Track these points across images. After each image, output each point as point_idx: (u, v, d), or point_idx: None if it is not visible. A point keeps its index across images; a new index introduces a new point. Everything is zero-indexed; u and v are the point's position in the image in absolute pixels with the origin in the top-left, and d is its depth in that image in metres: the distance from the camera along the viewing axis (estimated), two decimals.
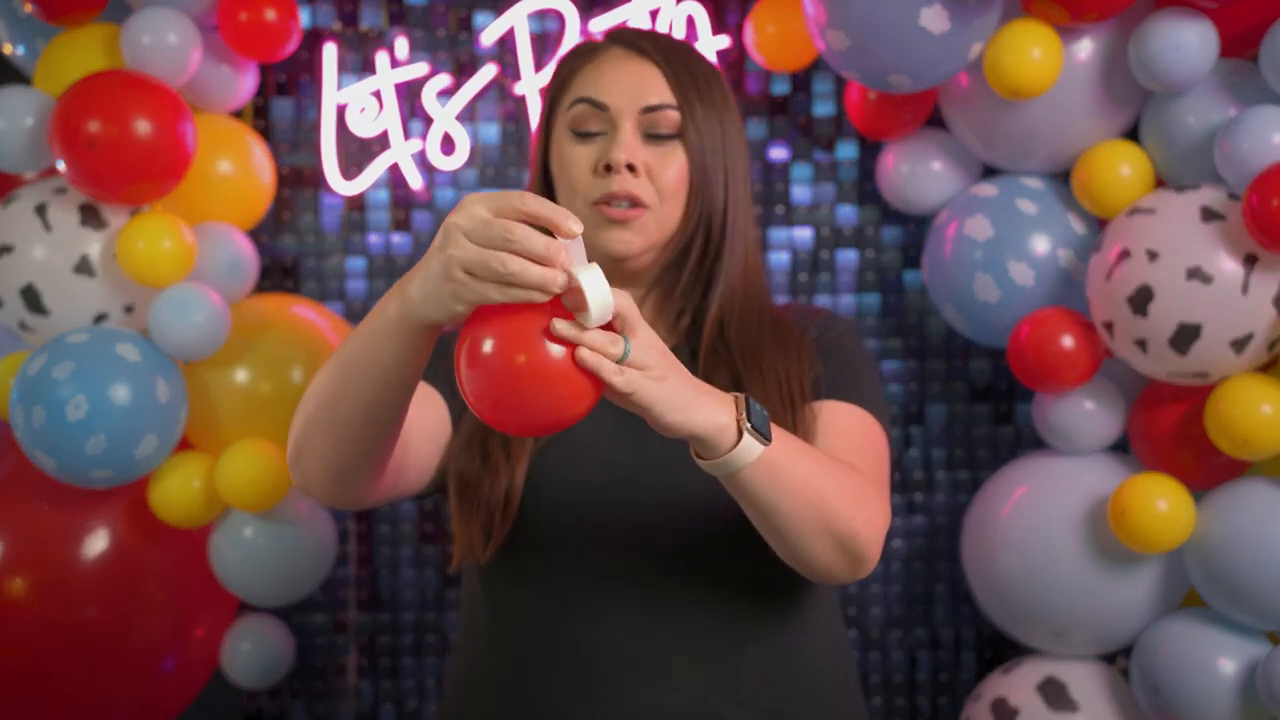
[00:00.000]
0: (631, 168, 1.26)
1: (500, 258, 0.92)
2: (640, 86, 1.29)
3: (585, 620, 1.25)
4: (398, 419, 1.11)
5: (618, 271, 1.32)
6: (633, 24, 2.27)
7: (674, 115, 1.28)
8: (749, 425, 1.05)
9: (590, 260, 1.32)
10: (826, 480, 1.12)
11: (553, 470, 1.26)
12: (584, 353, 0.95)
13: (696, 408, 1.03)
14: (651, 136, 1.28)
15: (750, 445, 1.05)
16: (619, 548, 1.25)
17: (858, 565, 1.17)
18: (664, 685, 1.23)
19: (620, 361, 0.97)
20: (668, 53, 1.31)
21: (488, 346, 0.96)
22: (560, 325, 0.95)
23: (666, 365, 1.01)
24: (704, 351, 1.30)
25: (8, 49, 2.22)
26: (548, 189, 1.35)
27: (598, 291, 0.95)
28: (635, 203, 1.26)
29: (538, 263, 0.93)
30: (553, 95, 1.35)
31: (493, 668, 1.30)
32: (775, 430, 1.10)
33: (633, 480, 1.25)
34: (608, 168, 1.26)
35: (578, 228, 0.95)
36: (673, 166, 1.27)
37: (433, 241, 0.99)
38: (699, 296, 1.32)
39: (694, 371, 1.29)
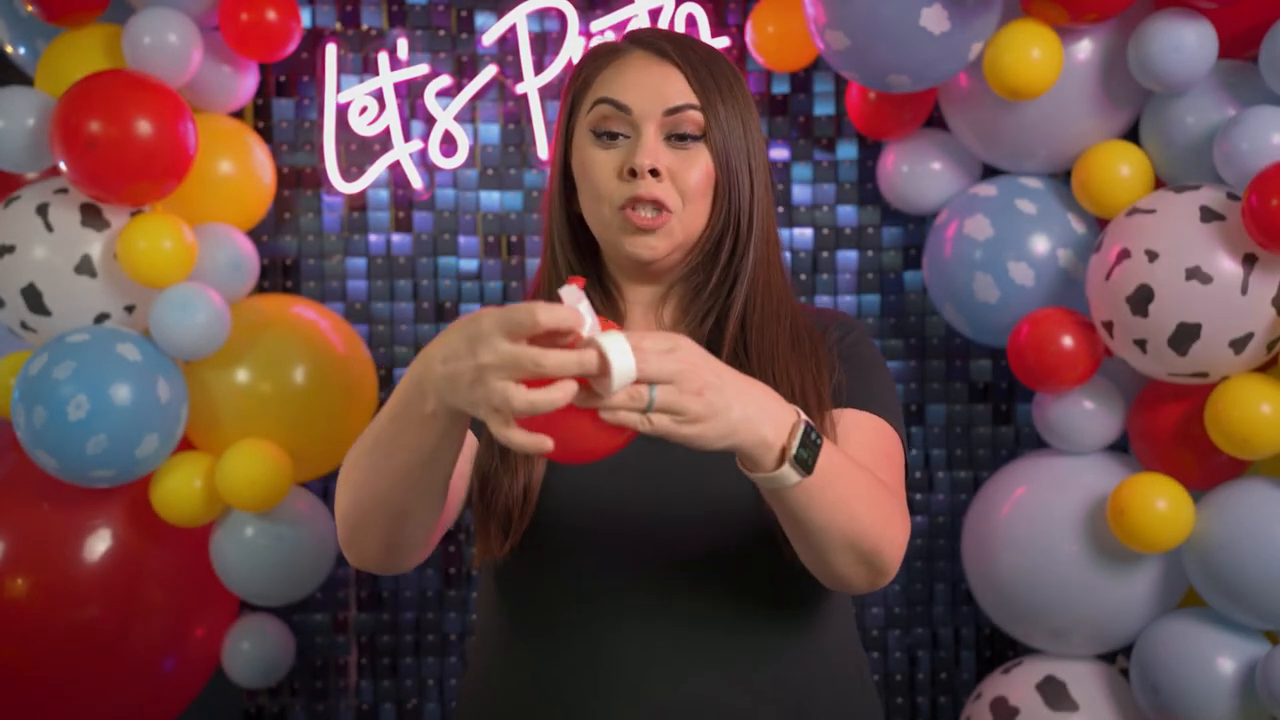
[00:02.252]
0: (655, 172, 1.26)
1: (548, 397, 0.93)
2: (662, 88, 1.28)
3: (601, 617, 1.24)
4: (447, 485, 1.15)
5: (643, 273, 1.33)
6: (634, 24, 2.27)
7: (697, 116, 1.28)
8: (793, 456, 1.04)
9: (618, 261, 1.33)
10: (862, 500, 1.13)
11: (572, 468, 1.26)
12: (605, 413, 0.96)
13: (740, 434, 1.02)
14: (674, 138, 1.28)
15: (789, 474, 1.05)
16: (637, 546, 1.24)
17: (876, 579, 1.19)
18: (680, 682, 1.23)
19: (646, 410, 0.97)
20: (688, 54, 1.31)
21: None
22: (578, 399, 0.95)
23: (702, 407, 0.99)
24: (725, 355, 1.30)
25: (9, 49, 2.23)
26: (567, 188, 1.35)
27: (622, 363, 0.94)
28: (660, 207, 1.26)
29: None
30: (573, 96, 1.34)
31: (510, 666, 1.30)
32: (827, 453, 1.08)
33: (653, 479, 1.25)
34: (632, 172, 1.26)
35: (587, 315, 0.96)
36: (696, 168, 1.28)
37: (446, 344, 0.99)
38: (725, 295, 1.32)
39: None
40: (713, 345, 1.32)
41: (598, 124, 1.29)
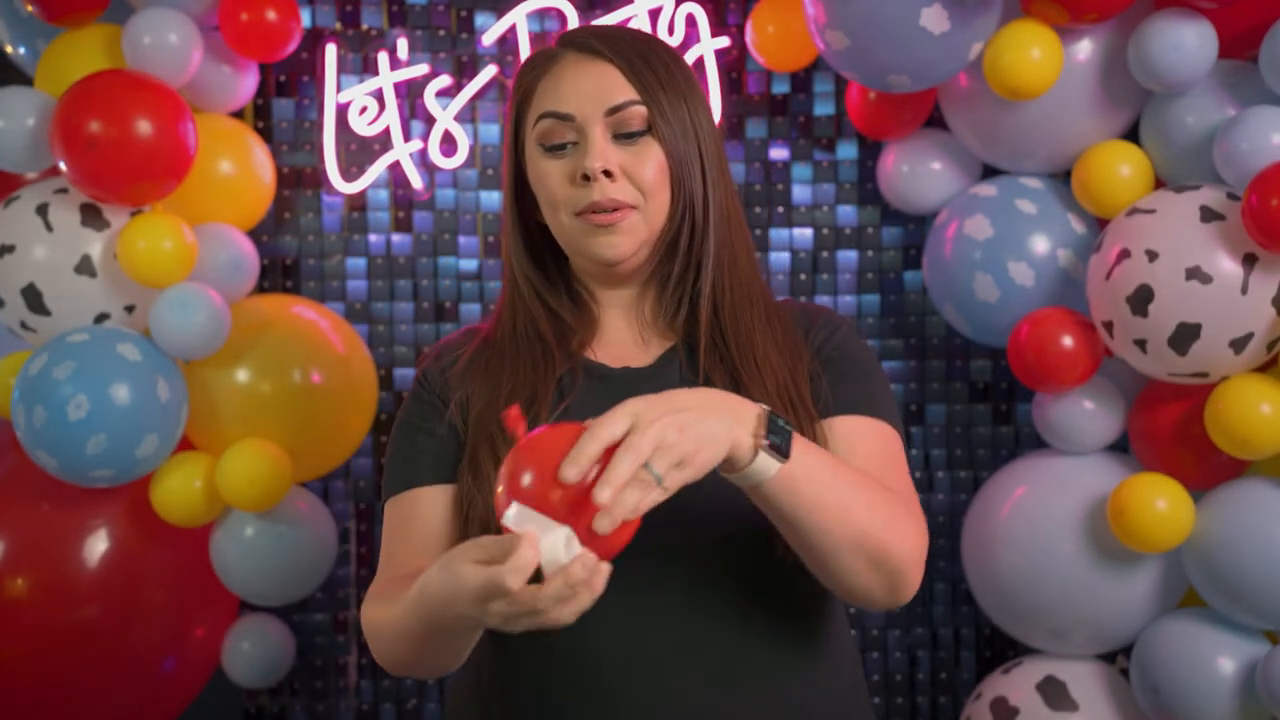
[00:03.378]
0: (608, 173, 1.25)
1: (553, 619, 0.99)
2: (601, 89, 1.26)
3: (589, 623, 1.24)
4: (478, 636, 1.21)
5: (612, 276, 1.32)
6: (634, 24, 2.27)
7: (640, 110, 1.26)
8: (765, 442, 1.05)
9: (586, 267, 1.32)
10: (856, 496, 1.12)
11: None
12: (631, 515, 0.99)
13: (723, 441, 1.04)
14: (621, 136, 1.27)
15: (766, 462, 1.06)
16: (633, 558, 1.23)
17: (896, 586, 1.18)
18: (671, 686, 1.22)
19: (660, 483, 1.00)
20: (622, 47, 1.29)
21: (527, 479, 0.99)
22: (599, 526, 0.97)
23: (692, 441, 1.02)
24: (702, 346, 1.29)
25: (9, 49, 2.23)
26: (518, 201, 1.35)
27: (552, 559, 0.97)
28: (619, 207, 1.26)
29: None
30: (517, 110, 1.33)
31: (499, 670, 1.29)
32: (803, 445, 1.09)
33: None
34: (585, 177, 1.26)
35: (530, 524, 0.99)
36: (649, 163, 1.26)
37: (461, 601, 1.02)
38: (692, 282, 1.31)
39: (694, 370, 1.28)
40: (690, 336, 1.31)
41: (544, 138, 1.28)
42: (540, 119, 1.28)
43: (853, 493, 1.12)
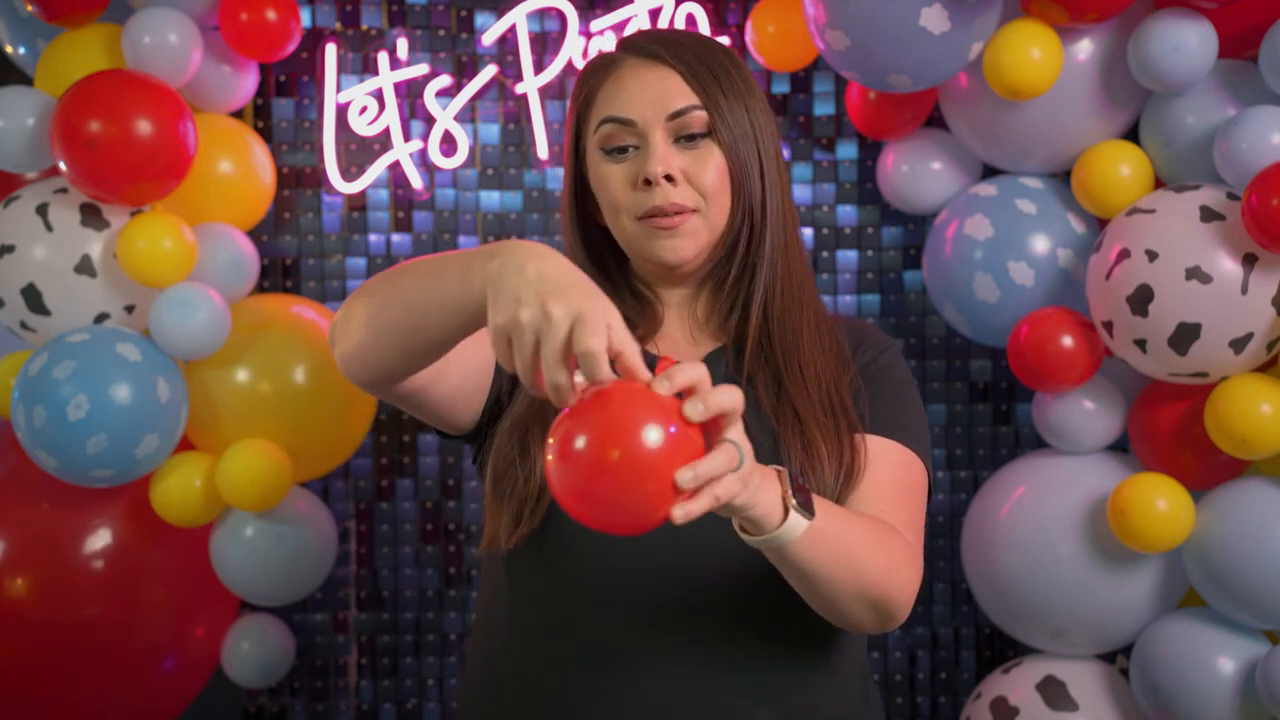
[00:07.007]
0: (670, 178, 1.26)
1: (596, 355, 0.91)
2: (662, 94, 1.28)
3: (609, 617, 1.24)
4: (439, 354, 1.14)
5: (672, 276, 1.33)
6: (634, 24, 2.27)
7: (700, 115, 1.28)
8: (794, 502, 1.04)
9: (646, 268, 1.33)
10: (865, 550, 1.12)
11: None
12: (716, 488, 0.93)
13: (763, 492, 1.02)
14: (682, 139, 1.28)
15: (796, 522, 1.04)
16: (652, 550, 1.24)
17: (887, 622, 1.19)
18: (684, 689, 1.22)
19: (738, 467, 0.95)
20: (682, 52, 1.31)
21: (580, 442, 0.91)
22: (685, 474, 0.91)
23: (752, 461, 0.99)
24: (750, 345, 1.30)
25: (9, 49, 2.23)
26: (578, 204, 1.36)
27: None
28: (681, 211, 1.27)
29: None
30: (578, 115, 1.35)
31: (513, 657, 1.29)
32: (816, 500, 1.08)
33: None
34: (647, 182, 1.26)
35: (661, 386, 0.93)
36: (710, 166, 1.28)
37: (551, 271, 0.95)
38: (747, 284, 1.32)
39: (739, 371, 1.30)
40: (739, 338, 1.32)
41: (605, 142, 1.30)
42: (602, 124, 1.30)
43: (863, 546, 1.12)
